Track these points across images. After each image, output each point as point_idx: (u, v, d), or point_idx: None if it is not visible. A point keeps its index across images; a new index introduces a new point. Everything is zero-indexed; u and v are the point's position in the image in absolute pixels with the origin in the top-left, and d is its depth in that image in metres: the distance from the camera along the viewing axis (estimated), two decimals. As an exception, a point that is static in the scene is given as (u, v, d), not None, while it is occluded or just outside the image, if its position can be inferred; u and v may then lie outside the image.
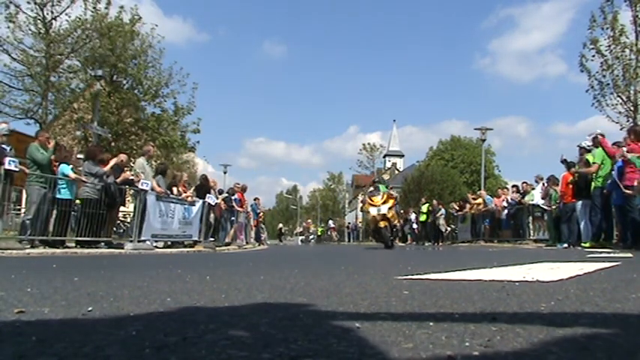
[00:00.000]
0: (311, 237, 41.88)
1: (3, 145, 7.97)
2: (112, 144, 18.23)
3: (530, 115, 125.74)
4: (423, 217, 21.11)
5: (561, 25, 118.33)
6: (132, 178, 9.65)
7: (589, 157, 9.35)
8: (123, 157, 10.31)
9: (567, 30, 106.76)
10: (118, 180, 9.29)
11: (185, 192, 11.46)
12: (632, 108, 17.11)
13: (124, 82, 19.57)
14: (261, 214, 21.22)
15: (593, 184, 9.37)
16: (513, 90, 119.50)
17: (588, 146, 9.70)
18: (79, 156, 11.63)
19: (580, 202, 9.78)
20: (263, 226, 21.74)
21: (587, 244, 9.18)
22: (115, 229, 10.97)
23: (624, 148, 8.26)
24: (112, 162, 9.39)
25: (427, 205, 21.36)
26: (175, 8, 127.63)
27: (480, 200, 17.42)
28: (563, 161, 10.49)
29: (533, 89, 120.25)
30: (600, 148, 9.31)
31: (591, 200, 9.40)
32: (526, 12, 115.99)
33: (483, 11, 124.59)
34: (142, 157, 10.90)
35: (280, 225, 44.48)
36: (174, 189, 11.08)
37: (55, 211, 8.46)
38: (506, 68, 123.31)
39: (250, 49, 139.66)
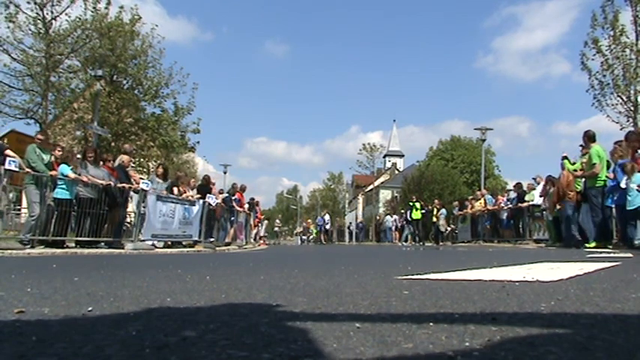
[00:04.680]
0: (311, 237, 41.88)
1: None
2: (112, 144, 18.23)
3: (532, 115, 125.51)
4: (417, 215, 21.10)
5: (565, 24, 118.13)
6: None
7: (594, 158, 9.25)
8: (125, 158, 10.29)
9: (571, 29, 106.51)
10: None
11: (185, 192, 11.45)
12: (632, 108, 17.14)
13: (124, 82, 19.60)
14: (260, 215, 21.25)
15: (588, 183, 9.39)
16: (516, 89, 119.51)
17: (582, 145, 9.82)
18: (78, 156, 11.61)
19: (584, 204, 9.77)
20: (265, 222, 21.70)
21: (592, 245, 9.17)
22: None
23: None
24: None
25: (419, 202, 21.36)
26: (180, 8, 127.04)
27: (481, 201, 17.42)
28: (564, 157, 10.42)
29: (535, 89, 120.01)
30: (594, 148, 9.30)
31: (589, 200, 9.39)
32: (529, 10, 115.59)
33: (486, 9, 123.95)
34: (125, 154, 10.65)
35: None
36: (175, 189, 11.07)
37: (55, 212, 8.43)
38: (509, 67, 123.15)
39: (252, 48, 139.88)
